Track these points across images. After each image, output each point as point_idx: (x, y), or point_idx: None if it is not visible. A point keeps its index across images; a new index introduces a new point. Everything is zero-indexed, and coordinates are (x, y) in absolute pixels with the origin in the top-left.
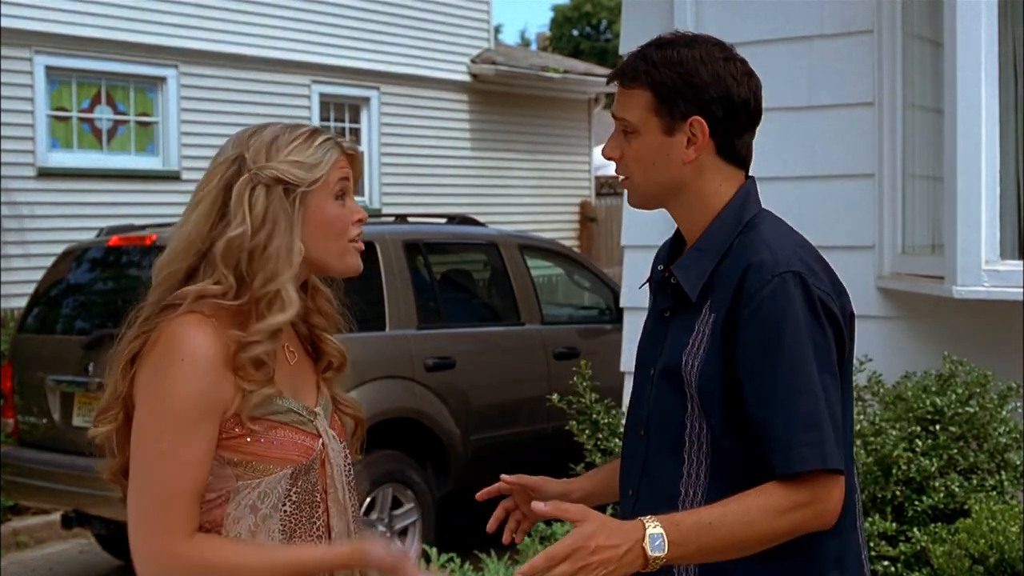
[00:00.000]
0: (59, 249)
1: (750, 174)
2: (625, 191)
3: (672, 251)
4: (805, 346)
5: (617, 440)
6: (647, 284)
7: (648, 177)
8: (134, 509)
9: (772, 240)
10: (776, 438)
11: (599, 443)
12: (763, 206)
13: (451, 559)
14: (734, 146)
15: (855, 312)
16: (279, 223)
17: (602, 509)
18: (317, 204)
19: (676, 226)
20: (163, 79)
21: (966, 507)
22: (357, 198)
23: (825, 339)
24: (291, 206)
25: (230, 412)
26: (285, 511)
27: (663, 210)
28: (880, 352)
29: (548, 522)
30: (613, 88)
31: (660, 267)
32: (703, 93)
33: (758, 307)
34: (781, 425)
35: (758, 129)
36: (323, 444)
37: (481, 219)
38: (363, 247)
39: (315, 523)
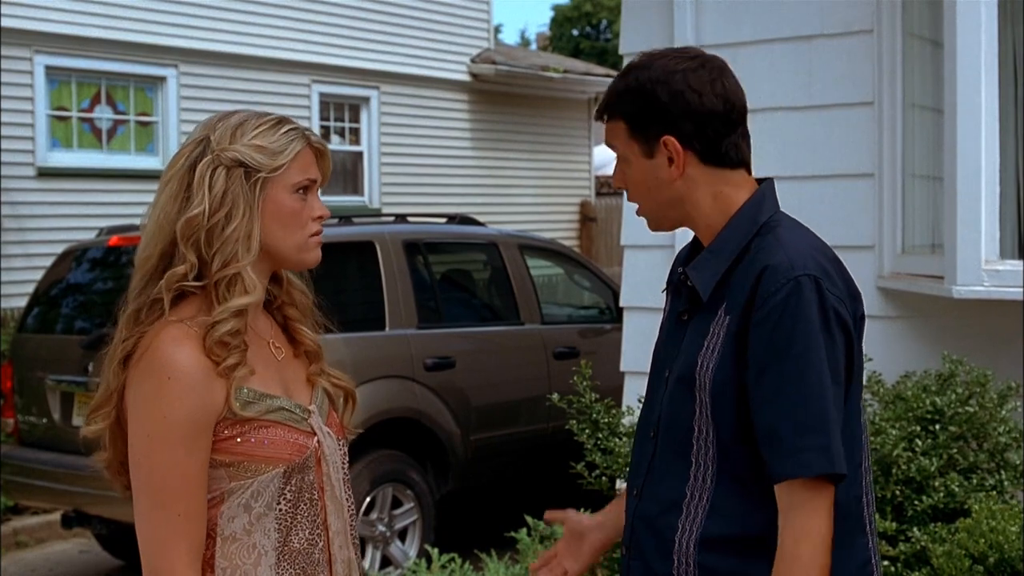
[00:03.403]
0: (59, 249)
1: (769, 176)
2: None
3: (691, 254)
4: (815, 351)
5: (617, 440)
6: (666, 288)
7: (651, 200)
8: (146, 533)
9: (789, 243)
10: (783, 441)
11: (599, 443)
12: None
13: (451, 559)
14: (718, 151)
15: None
16: (238, 205)
17: None
18: (276, 192)
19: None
20: (163, 79)
21: (966, 507)
22: (357, 198)
23: (834, 346)
24: (251, 190)
25: (221, 415)
26: (280, 509)
27: None
28: (880, 352)
29: (548, 522)
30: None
31: (679, 269)
32: (666, 113)
33: (772, 310)
34: (788, 429)
35: (758, 129)
36: (318, 442)
37: (481, 219)
38: (320, 243)
39: (315, 521)
